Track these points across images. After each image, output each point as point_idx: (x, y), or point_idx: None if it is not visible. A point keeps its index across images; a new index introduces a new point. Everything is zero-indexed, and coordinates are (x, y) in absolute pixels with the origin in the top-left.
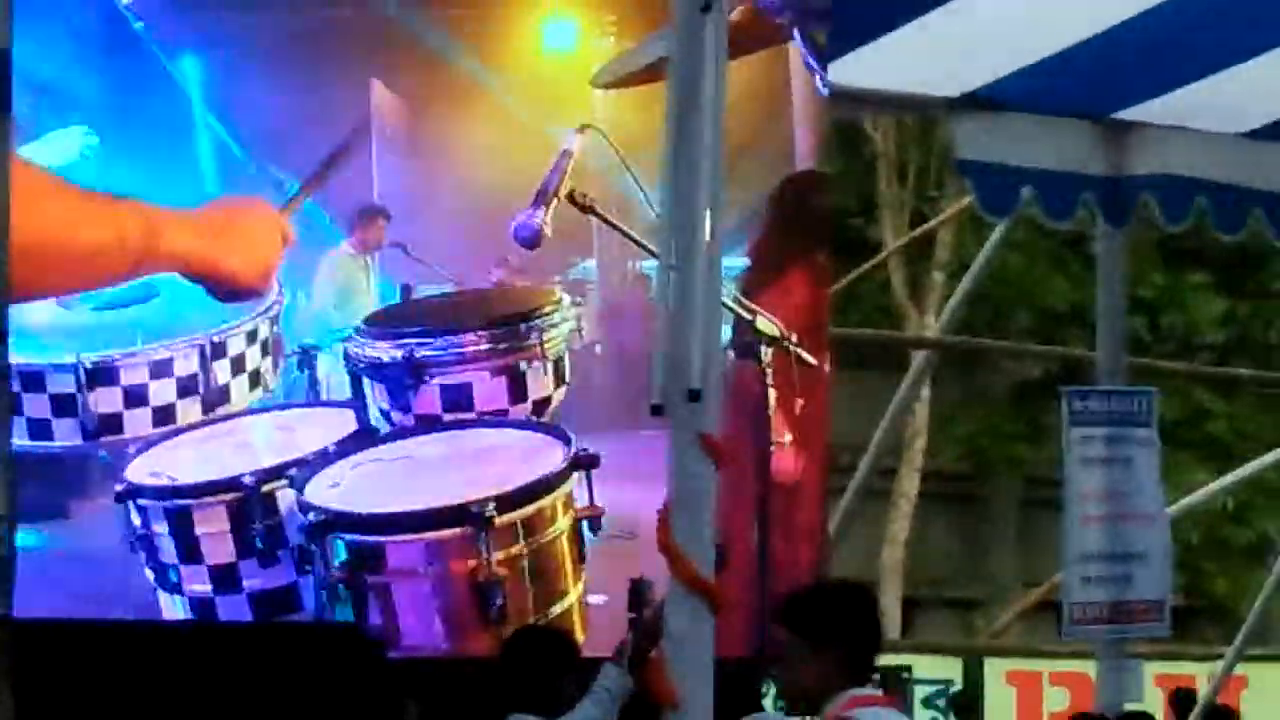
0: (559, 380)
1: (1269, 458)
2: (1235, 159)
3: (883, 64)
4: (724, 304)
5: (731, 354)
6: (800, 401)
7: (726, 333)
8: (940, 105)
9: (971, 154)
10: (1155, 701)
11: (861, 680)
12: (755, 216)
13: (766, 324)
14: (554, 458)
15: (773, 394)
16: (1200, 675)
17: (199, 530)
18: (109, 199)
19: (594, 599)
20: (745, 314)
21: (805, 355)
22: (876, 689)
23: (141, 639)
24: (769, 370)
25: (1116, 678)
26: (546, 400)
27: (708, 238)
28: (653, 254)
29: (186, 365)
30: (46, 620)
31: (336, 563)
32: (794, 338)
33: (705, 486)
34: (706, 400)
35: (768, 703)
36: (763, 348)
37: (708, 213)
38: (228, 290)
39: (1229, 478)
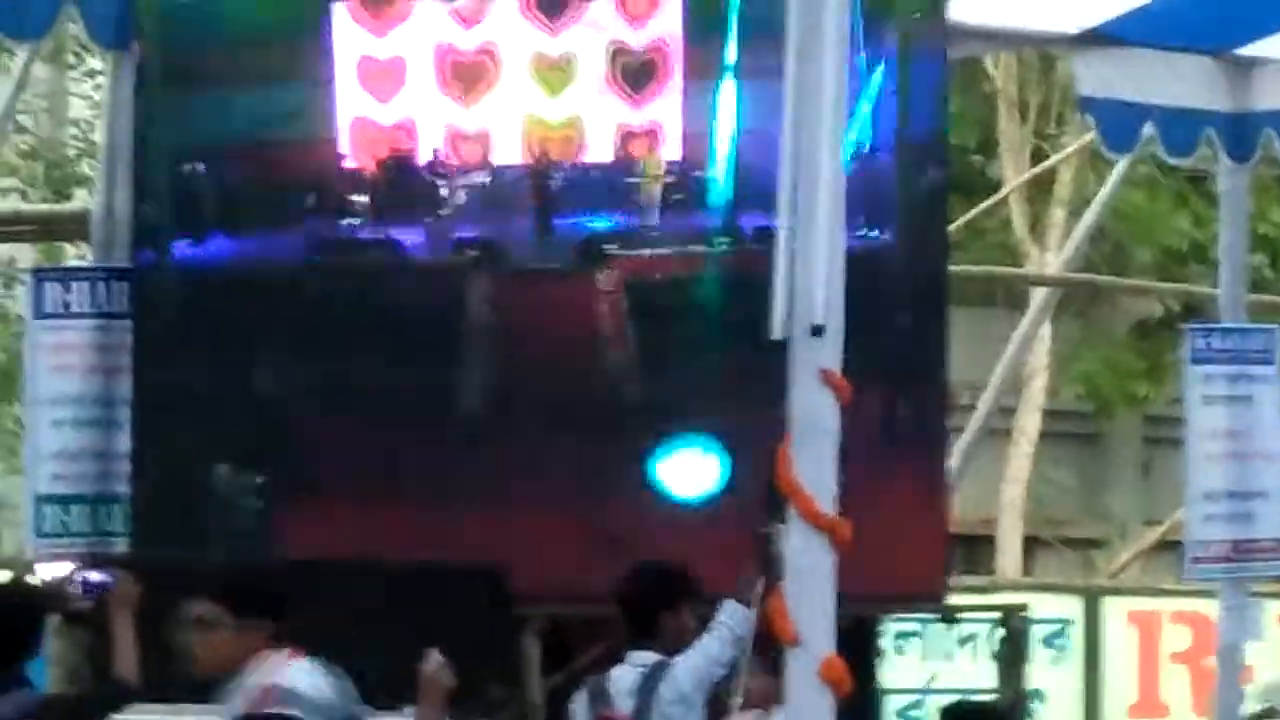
0: None
1: None
2: None
3: (1004, 0)
4: None
5: None
6: None
7: None
8: (1062, 41)
9: (1093, 90)
10: (1277, 640)
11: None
12: None
13: None
14: None
15: None
16: None
17: None
18: None
19: None
20: None
21: None
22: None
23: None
24: None
25: (1238, 616)
26: None
27: (830, 173)
28: None
29: None
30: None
31: None
32: None
33: (827, 422)
34: (829, 335)
35: (885, 641)
36: None
37: (830, 147)
38: None
39: None
